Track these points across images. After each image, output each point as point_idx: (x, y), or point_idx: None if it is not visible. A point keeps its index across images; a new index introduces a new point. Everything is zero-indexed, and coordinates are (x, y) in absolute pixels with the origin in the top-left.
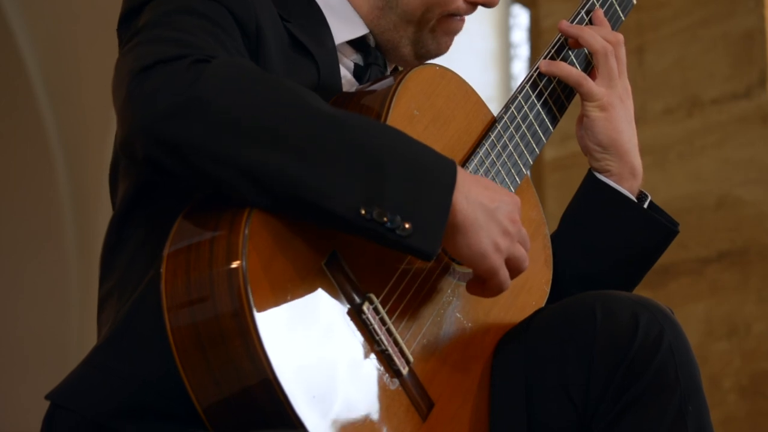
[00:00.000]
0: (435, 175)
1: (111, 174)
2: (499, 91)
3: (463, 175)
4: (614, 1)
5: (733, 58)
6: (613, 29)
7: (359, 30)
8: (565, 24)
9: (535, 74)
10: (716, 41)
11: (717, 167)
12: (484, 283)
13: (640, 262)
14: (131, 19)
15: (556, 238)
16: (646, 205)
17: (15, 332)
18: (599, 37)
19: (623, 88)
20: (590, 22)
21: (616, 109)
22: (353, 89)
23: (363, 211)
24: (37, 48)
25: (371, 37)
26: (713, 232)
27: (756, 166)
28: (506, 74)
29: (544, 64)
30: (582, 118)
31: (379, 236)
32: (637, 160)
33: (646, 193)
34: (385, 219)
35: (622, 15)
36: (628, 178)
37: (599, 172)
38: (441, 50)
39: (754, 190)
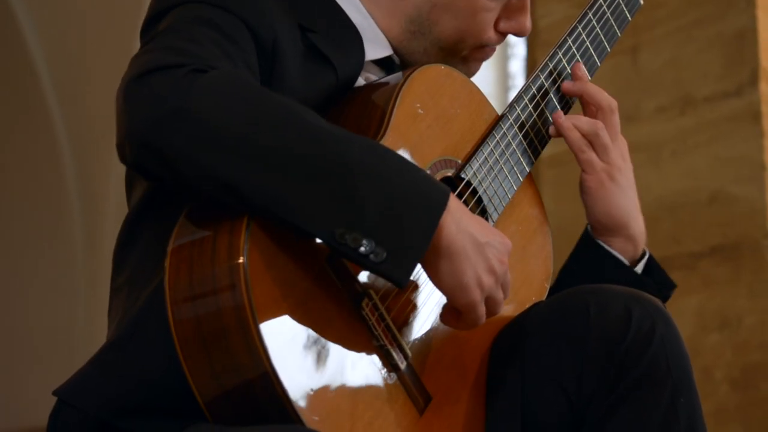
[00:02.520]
0: (422, 201)
1: (127, 174)
2: (496, 89)
3: (456, 205)
4: (621, 1)
5: (725, 58)
6: (619, 30)
7: (384, 51)
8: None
9: (540, 74)
10: (709, 41)
11: (709, 164)
12: (458, 316)
13: None
14: (153, 24)
15: (553, 290)
16: (641, 268)
17: (24, 327)
18: (584, 118)
19: (619, 153)
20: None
21: (614, 181)
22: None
23: (337, 235)
24: (45, 49)
25: (396, 57)
26: (706, 228)
27: (747, 163)
28: (503, 73)
29: (552, 130)
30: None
31: (352, 259)
32: (638, 228)
33: (646, 251)
34: (359, 244)
35: (629, 15)
36: (629, 248)
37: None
38: (469, 75)
39: (746, 186)
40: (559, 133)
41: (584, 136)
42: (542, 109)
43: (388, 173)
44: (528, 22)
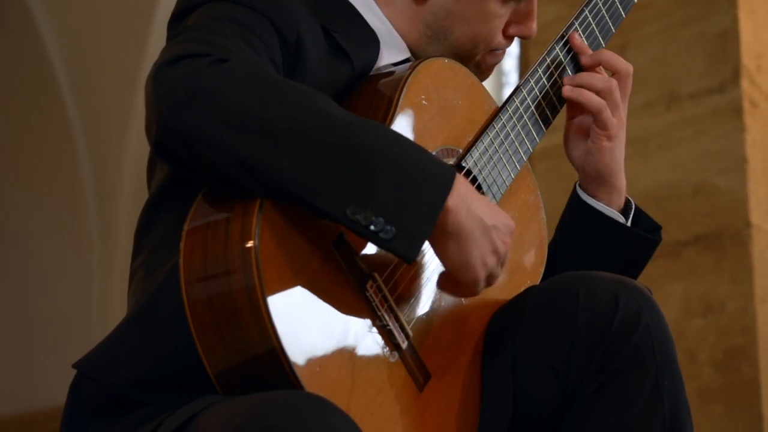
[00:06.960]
0: (429, 182)
1: (149, 161)
2: (490, 86)
3: (466, 188)
4: (616, 0)
5: (708, 57)
6: (614, 27)
7: (402, 54)
8: (587, 57)
9: (539, 68)
10: (694, 40)
11: (693, 157)
12: (457, 286)
13: (629, 269)
14: (181, 19)
15: (553, 245)
16: (630, 217)
17: (41, 313)
18: (599, 76)
19: (624, 112)
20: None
21: (618, 138)
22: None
23: (349, 212)
24: (61, 44)
25: (413, 59)
26: (690, 218)
27: (730, 156)
28: (497, 70)
29: (567, 90)
30: (571, 135)
31: (363, 235)
32: (623, 181)
33: (630, 200)
34: (369, 221)
35: (623, 13)
36: (614, 198)
37: (586, 192)
38: (482, 79)
39: (728, 178)
40: (576, 98)
41: (598, 93)
42: (540, 101)
43: (399, 155)
44: (535, 26)
